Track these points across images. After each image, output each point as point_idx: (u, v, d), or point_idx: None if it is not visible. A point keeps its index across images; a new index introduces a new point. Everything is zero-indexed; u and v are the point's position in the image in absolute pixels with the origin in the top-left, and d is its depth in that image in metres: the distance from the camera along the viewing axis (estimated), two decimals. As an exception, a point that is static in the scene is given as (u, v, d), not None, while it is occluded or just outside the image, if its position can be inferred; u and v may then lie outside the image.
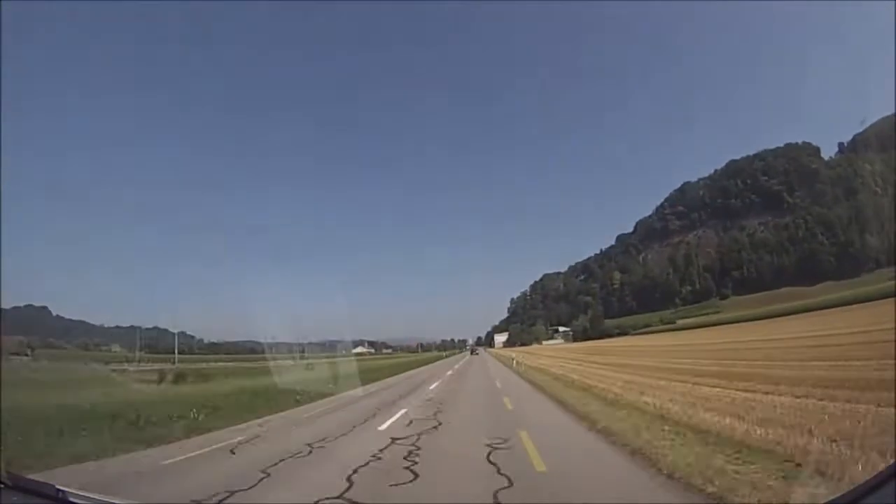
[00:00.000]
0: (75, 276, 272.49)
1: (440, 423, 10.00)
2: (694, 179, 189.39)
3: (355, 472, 5.94)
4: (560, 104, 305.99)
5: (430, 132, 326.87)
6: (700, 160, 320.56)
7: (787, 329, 44.93)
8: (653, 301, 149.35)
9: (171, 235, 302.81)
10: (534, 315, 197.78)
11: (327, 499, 4.86)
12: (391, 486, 5.34)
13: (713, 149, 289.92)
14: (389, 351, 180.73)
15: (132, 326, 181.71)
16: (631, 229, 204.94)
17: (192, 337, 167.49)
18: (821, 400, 8.81)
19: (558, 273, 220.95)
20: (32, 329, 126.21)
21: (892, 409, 6.81)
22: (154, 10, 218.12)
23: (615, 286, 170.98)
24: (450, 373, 31.43)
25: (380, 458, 6.79)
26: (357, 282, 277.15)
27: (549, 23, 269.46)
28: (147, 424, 10.15)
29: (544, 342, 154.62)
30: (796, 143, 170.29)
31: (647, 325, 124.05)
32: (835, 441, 5.39)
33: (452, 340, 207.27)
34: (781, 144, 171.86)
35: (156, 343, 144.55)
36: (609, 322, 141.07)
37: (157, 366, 52.84)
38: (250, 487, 5.51)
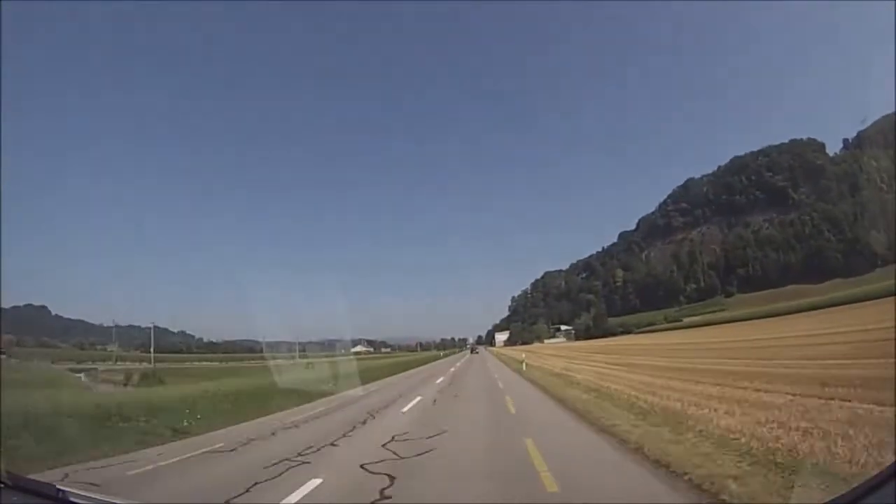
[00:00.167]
0: (75, 276, 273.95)
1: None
2: (697, 176, 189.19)
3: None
4: (560, 102, 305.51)
5: (429, 131, 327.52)
6: (703, 157, 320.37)
7: (796, 327, 44.21)
8: (656, 299, 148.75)
9: (171, 235, 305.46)
10: (535, 313, 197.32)
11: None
12: None
13: (716, 146, 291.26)
14: (388, 350, 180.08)
15: (131, 325, 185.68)
16: (633, 226, 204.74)
17: (192, 336, 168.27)
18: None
19: (560, 271, 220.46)
20: (32, 328, 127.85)
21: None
22: (154, 10, 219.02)
23: (618, 284, 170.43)
24: (438, 383, 23.08)
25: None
26: (357, 281, 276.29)
27: (549, 21, 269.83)
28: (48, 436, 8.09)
29: (546, 341, 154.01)
30: (801, 139, 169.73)
31: (651, 324, 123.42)
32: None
33: (453, 339, 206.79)
34: (786, 140, 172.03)
35: (155, 342, 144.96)
36: (612, 320, 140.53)
37: (134, 365, 51.80)
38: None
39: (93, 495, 2.51)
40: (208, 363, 74.00)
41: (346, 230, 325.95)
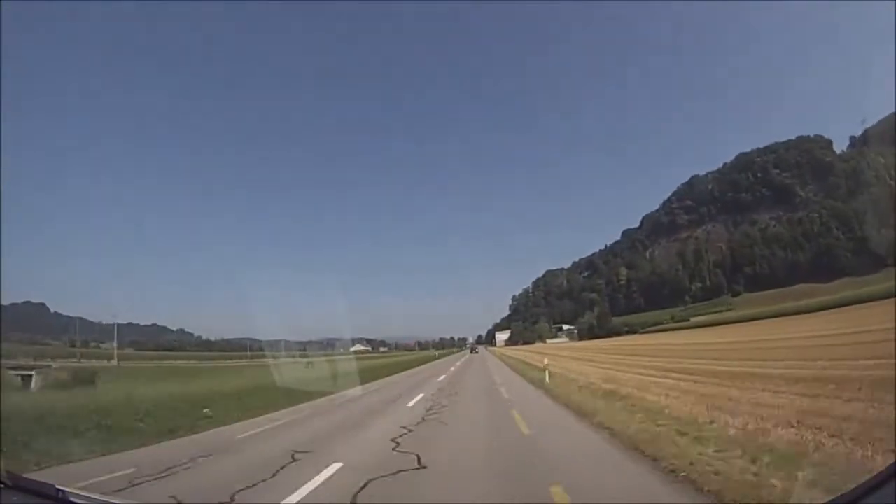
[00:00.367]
0: (74, 274, 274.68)
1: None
2: (702, 173, 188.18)
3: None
4: (560, 101, 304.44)
5: (429, 131, 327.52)
6: (703, 157, 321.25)
7: (805, 327, 43.39)
8: (661, 298, 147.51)
9: (171, 234, 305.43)
10: (536, 313, 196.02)
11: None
12: None
13: (716, 145, 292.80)
14: (385, 350, 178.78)
15: (130, 324, 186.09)
16: (636, 224, 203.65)
17: (191, 335, 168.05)
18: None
19: (561, 269, 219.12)
20: (30, 326, 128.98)
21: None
22: (154, 10, 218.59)
23: (621, 283, 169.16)
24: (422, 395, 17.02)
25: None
26: (357, 280, 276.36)
27: (549, 21, 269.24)
28: None
29: (548, 340, 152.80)
30: (808, 136, 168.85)
31: (657, 324, 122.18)
32: None
33: (452, 339, 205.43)
34: (793, 137, 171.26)
35: (153, 340, 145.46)
36: (616, 320, 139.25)
37: (96, 363, 50.18)
38: None
39: (93, 495, 2.50)
40: (188, 362, 72.03)
41: (346, 230, 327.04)
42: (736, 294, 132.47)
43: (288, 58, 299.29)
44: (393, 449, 7.74)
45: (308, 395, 17.30)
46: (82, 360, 52.73)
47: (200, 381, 23.35)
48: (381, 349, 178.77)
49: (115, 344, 77.41)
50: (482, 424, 10.17)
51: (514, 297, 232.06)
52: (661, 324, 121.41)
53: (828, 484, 4.05)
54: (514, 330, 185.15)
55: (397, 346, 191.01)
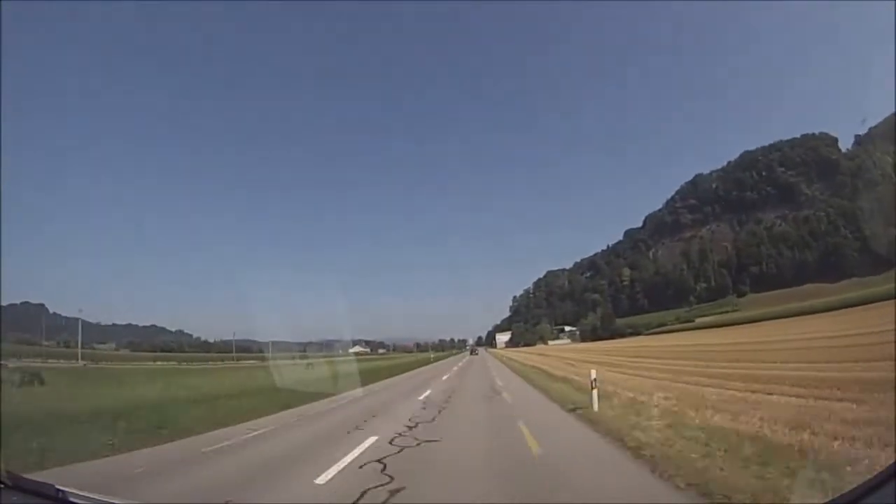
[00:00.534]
0: (74, 275, 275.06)
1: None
2: (706, 172, 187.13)
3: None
4: (561, 101, 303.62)
5: (429, 131, 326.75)
6: (703, 157, 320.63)
7: (815, 327, 42.20)
8: (665, 299, 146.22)
9: (171, 234, 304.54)
10: (538, 314, 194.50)
11: None
12: None
13: (716, 145, 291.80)
14: (383, 351, 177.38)
15: (129, 324, 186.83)
16: (639, 224, 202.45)
17: (190, 335, 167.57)
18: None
19: (563, 270, 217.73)
20: (29, 326, 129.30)
21: None
22: (154, 10, 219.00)
23: (624, 283, 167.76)
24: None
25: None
26: (357, 281, 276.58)
27: (550, 21, 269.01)
28: None
29: (550, 342, 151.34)
30: (813, 134, 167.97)
31: (661, 325, 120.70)
32: None
33: (452, 340, 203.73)
34: (797, 135, 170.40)
35: (150, 341, 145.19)
36: (620, 321, 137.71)
37: (64, 363, 48.98)
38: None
39: (93, 495, 2.51)
40: (179, 364, 70.06)
41: (346, 230, 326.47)
42: (742, 294, 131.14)
43: (288, 58, 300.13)
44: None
45: (298, 399, 15.75)
46: (49, 361, 51.12)
47: (178, 384, 21.76)
48: (380, 350, 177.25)
49: (79, 343, 75.38)
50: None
51: (514, 297, 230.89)
52: (666, 325, 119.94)
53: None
54: (515, 331, 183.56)
55: (395, 348, 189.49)
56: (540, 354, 59.37)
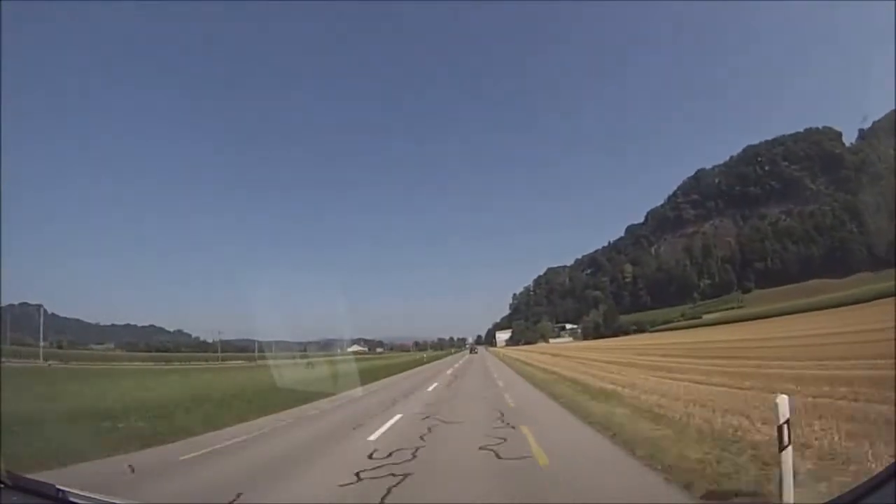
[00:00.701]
0: (73, 275, 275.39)
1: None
2: (708, 166, 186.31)
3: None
4: (561, 99, 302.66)
5: (429, 131, 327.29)
6: (705, 153, 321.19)
7: (826, 323, 40.98)
8: (668, 295, 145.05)
9: (170, 234, 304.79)
10: (538, 312, 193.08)
11: None
12: None
13: (716, 144, 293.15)
14: (381, 351, 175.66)
15: (128, 325, 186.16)
16: (640, 220, 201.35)
17: (189, 335, 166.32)
18: None
19: (563, 267, 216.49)
20: (26, 327, 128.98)
21: None
22: (154, 10, 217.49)
23: (627, 280, 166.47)
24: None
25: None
26: (356, 280, 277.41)
27: (550, 21, 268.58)
28: None
29: (551, 340, 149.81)
30: (817, 128, 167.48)
31: (666, 322, 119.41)
32: None
33: (451, 339, 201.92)
34: (801, 130, 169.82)
35: (146, 341, 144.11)
36: (623, 318, 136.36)
37: (29, 363, 47.79)
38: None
39: (93, 495, 2.52)
40: (168, 364, 67.73)
41: (346, 230, 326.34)
42: (747, 290, 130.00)
43: (288, 58, 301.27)
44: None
45: (273, 407, 13.52)
46: (13, 360, 49.16)
47: (144, 387, 19.66)
48: (378, 350, 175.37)
49: (41, 342, 72.80)
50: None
51: (514, 295, 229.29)
52: (671, 322, 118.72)
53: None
54: (516, 329, 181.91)
55: (392, 348, 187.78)
56: (548, 354, 53.08)
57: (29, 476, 2.53)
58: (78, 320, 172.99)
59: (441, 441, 8.15)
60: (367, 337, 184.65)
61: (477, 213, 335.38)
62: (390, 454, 7.01)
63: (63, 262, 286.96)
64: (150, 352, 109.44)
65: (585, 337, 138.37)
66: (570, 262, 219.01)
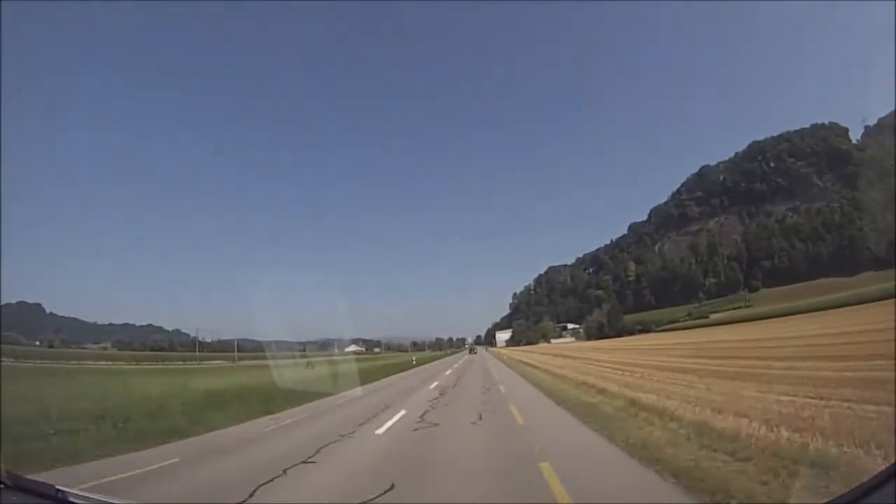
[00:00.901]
0: (72, 275, 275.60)
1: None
2: (713, 163, 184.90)
3: None
4: (563, 88, 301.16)
5: (429, 131, 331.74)
6: (708, 150, 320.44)
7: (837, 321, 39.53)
8: (673, 294, 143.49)
9: (170, 234, 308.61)
10: (539, 311, 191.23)
11: None
12: None
13: (716, 144, 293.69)
14: (378, 351, 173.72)
15: (126, 324, 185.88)
16: (643, 218, 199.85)
17: (187, 335, 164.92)
18: None
19: (564, 266, 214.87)
20: (25, 326, 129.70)
21: None
22: (155, 9, 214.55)
23: (630, 278, 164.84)
24: None
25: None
26: (355, 279, 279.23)
27: (552, 12, 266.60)
28: None
29: (553, 340, 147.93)
30: (823, 124, 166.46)
31: (672, 321, 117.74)
32: None
33: (450, 339, 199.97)
34: (806, 125, 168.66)
35: (139, 340, 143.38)
36: (627, 317, 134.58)
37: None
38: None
39: (93, 495, 2.55)
40: (158, 364, 65.06)
41: (346, 230, 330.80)
42: (754, 289, 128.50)
43: (288, 57, 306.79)
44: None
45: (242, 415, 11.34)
46: None
47: (115, 388, 17.50)
48: (375, 350, 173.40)
49: None
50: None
51: (514, 294, 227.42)
52: (677, 321, 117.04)
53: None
54: (516, 329, 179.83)
55: (389, 348, 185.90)
56: (560, 356, 45.13)
57: (29, 476, 2.47)
58: (76, 319, 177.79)
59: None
60: (367, 337, 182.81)
61: (477, 212, 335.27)
62: None
63: (62, 262, 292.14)
64: (144, 351, 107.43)
65: (589, 337, 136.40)
66: (570, 260, 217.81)
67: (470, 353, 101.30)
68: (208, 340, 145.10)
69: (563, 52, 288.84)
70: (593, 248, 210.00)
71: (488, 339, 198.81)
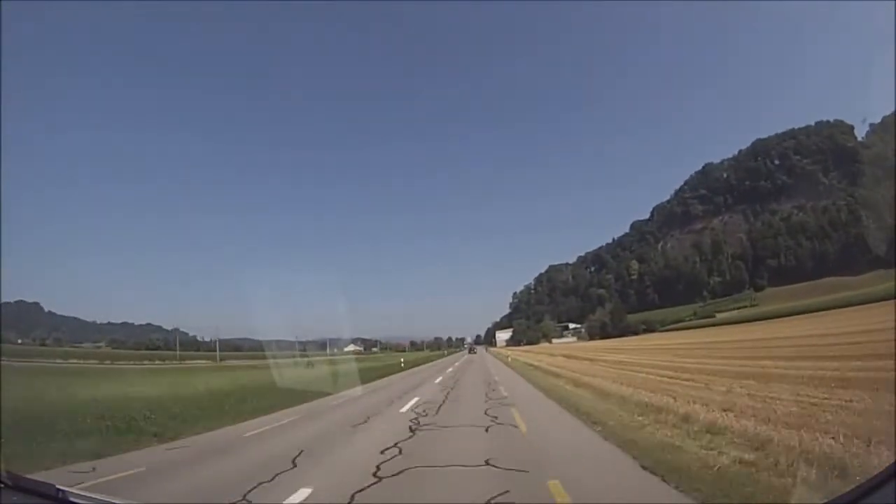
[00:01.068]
0: (72, 274, 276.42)
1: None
2: (716, 161, 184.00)
3: None
4: (563, 87, 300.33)
5: (429, 131, 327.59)
6: (708, 149, 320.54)
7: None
8: (676, 293, 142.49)
9: (169, 234, 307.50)
10: (540, 310, 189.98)
11: None
12: None
13: (716, 144, 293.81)
14: (376, 350, 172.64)
15: (125, 323, 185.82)
16: (646, 216, 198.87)
17: (186, 334, 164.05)
18: None
19: (566, 264, 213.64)
20: (23, 325, 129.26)
21: None
22: (155, 9, 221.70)
23: (633, 277, 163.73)
24: None
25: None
26: (355, 279, 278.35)
27: (553, 11, 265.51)
28: None
29: (554, 340, 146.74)
30: (828, 121, 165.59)
31: (677, 321, 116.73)
32: None
33: (449, 339, 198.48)
34: (812, 123, 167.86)
35: (134, 340, 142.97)
36: (630, 317, 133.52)
37: None
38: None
39: (93, 495, 2.56)
40: (150, 363, 63.42)
41: (346, 230, 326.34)
42: (759, 288, 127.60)
43: (288, 57, 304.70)
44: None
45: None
46: None
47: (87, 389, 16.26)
48: (373, 350, 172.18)
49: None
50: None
51: (514, 293, 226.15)
52: (681, 321, 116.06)
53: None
54: (517, 328, 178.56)
55: (387, 347, 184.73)
56: (574, 358, 39.30)
57: (29, 476, 2.45)
58: (75, 318, 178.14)
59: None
60: (366, 336, 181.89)
61: (477, 211, 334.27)
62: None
63: (62, 261, 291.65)
64: (139, 350, 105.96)
65: (591, 337, 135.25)
66: (572, 259, 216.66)
67: (469, 352, 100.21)
68: (206, 339, 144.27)
69: (564, 51, 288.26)
70: (595, 247, 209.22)
71: (488, 339, 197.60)
